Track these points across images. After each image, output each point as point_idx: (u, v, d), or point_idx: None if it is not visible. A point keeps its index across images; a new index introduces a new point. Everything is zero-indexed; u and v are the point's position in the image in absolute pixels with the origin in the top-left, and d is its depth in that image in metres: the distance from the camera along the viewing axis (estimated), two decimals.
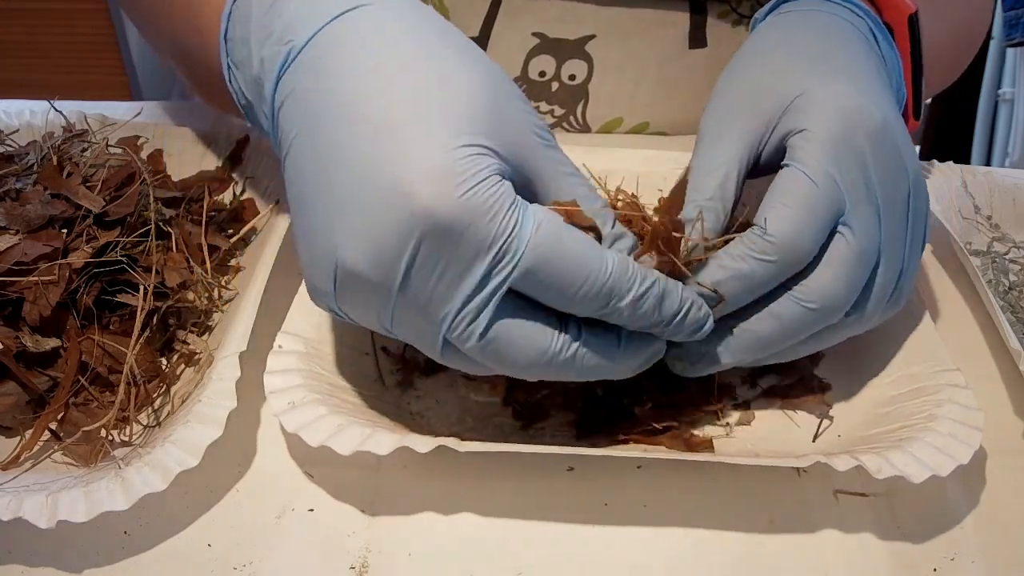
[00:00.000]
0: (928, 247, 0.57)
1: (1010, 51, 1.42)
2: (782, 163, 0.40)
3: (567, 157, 0.39)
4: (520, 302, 0.35)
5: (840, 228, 0.39)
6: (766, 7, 0.49)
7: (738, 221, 0.41)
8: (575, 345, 0.36)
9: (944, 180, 0.58)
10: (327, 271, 0.35)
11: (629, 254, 0.38)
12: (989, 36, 1.41)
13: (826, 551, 0.39)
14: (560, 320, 0.36)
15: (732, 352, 0.40)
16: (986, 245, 0.56)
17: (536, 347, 0.35)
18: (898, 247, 0.40)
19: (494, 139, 0.34)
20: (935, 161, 0.60)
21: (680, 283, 0.37)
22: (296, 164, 0.36)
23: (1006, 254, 0.56)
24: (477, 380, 0.43)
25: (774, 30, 0.46)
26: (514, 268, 0.33)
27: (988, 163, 1.49)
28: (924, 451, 0.38)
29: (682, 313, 0.37)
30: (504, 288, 0.34)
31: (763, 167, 0.42)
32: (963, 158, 1.45)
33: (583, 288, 0.34)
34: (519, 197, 0.34)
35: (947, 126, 1.53)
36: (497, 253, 0.33)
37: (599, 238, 0.38)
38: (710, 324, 0.38)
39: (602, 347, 0.37)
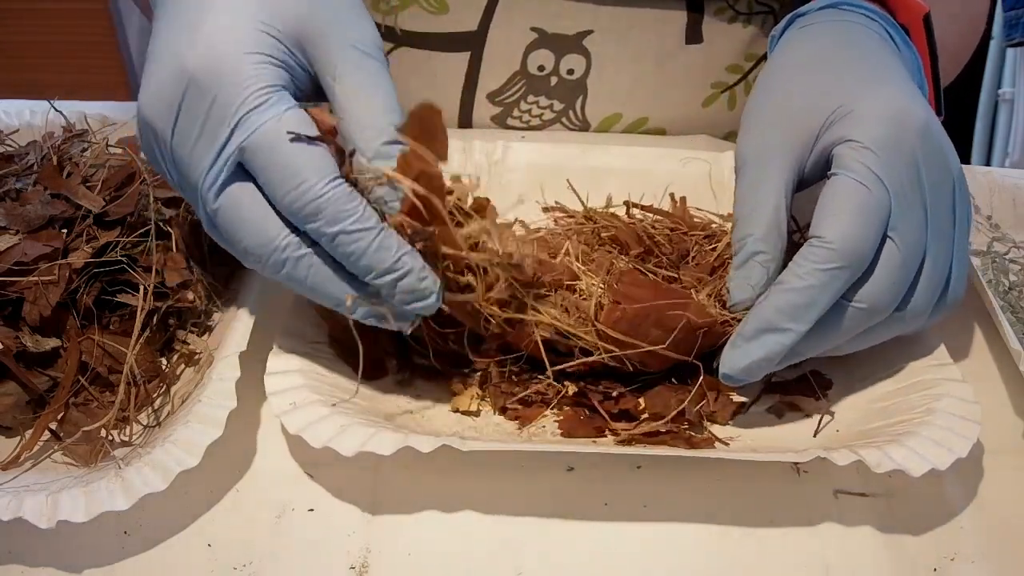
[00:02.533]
0: None
1: (1010, 51, 1.42)
2: (829, 172, 0.41)
3: (378, 67, 0.39)
4: (263, 193, 0.37)
5: (889, 232, 0.39)
6: (781, 24, 0.50)
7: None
8: (304, 251, 0.37)
9: None
10: (140, 121, 0.39)
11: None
12: (989, 36, 1.41)
13: (826, 551, 0.39)
14: (296, 228, 0.37)
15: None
16: (986, 245, 0.56)
17: (261, 232, 0.37)
18: (945, 244, 0.41)
19: (295, 24, 0.38)
20: None
21: (410, 247, 0.37)
22: (152, 31, 0.40)
23: (1006, 254, 0.56)
24: (461, 392, 0.44)
25: (797, 47, 0.47)
26: (245, 139, 0.36)
27: (988, 163, 1.49)
28: (923, 445, 0.38)
29: (395, 273, 0.36)
30: (234, 153, 0.36)
31: (805, 183, 0.43)
32: (963, 158, 1.44)
33: (294, 192, 0.35)
34: (285, 88, 0.37)
35: (947, 126, 1.53)
36: (239, 121, 0.36)
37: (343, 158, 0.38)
38: (432, 301, 0.37)
39: (332, 273, 0.38)
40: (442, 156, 0.36)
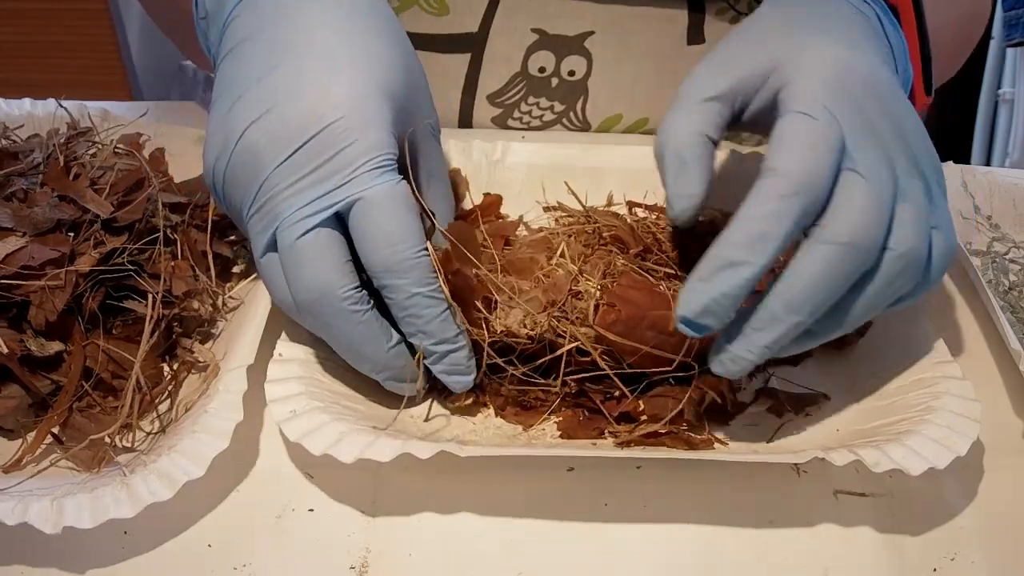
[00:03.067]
0: None
1: (1010, 51, 1.42)
2: (777, 117, 0.40)
3: (442, 152, 0.47)
4: (345, 249, 0.40)
5: (848, 166, 0.38)
6: None
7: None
8: (361, 307, 0.39)
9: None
10: (229, 142, 0.40)
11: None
12: (989, 36, 1.41)
13: (826, 551, 0.39)
14: (363, 288, 0.40)
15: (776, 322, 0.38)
16: (986, 245, 0.56)
17: (327, 279, 0.39)
18: (915, 190, 0.39)
19: (400, 106, 0.41)
20: None
21: (465, 333, 0.41)
22: (240, 58, 0.42)
23: (1006, 254, 0.56)
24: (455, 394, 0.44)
25: (769, 8, 0.46)
26: (358, 192, 0.39)
27: (988, 163, 1.49)
28: (922, 444, 0.38)
29: (452, 345, 0.41)
30: (339, 203, 0.39)
31: (745, 123, 0.43)
32: (963, 158, 1.44)
33: (394, 247, 0.39)
34: (395, 156, 0.40)
35: (947, 126, 1.53)
36: (354, 172, 0.39)
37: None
38: (470, 380, 0.42)
39: (377, 333, 0.40)
40: (476, 260, 0.42)
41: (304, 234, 0.39)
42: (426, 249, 0.39)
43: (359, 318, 0.39)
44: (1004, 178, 0.60)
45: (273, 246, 0.40)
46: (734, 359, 0.39)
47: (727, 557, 0.39)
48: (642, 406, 0.43)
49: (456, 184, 0.54)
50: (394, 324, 0.41)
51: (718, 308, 0.37)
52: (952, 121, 1.50)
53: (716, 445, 0.42)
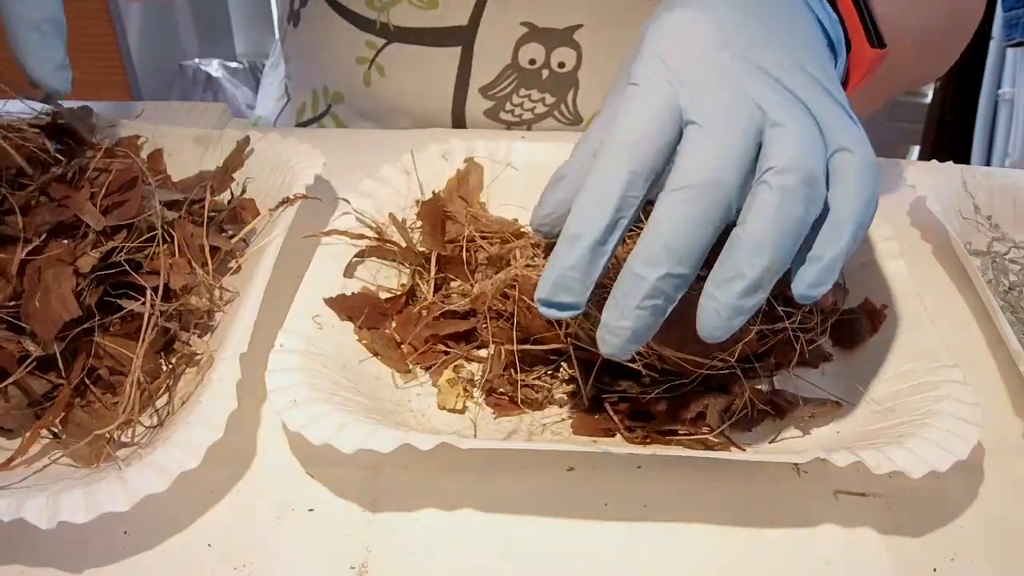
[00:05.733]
0: (928, 247, 0.58)
1: (1010, 51, 1.42)
2: None
3: None
4: None
5: (686, 117, 0.37)
6: None
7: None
8: None
9: (944, 180, 0.58)
10: None
11: None
12: (989, 36, 1.41)
13: (826, 551, 0.39)
14: None
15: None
16: (986, 245, 0.56)
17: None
18: (792, 115, 0.37)
19: None
20: (935, 161, 0.60)
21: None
22: None
23: (1006, 254, 0.56)
24: (447, 391, 0.44)
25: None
26: None
27: (988, 163, 1.49)
28: (923, 447, 0.38)
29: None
30: None
31: None
32: (963, 158, 1.45)
33: None
34: None
35: (947, 126, 1.53)
36: None
37: None
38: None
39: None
40: None
41: None
42: None
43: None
44: (1004, 178, 0.60)
45: None
46: (613, 331, 0.36)
47: (727, 557, 0.39)
48: (664, 406, 0.42)
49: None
50: None
51: (569, 282, 0.36)
52: (952, 121, 1.50)
53: (732, 449, 0.42)
